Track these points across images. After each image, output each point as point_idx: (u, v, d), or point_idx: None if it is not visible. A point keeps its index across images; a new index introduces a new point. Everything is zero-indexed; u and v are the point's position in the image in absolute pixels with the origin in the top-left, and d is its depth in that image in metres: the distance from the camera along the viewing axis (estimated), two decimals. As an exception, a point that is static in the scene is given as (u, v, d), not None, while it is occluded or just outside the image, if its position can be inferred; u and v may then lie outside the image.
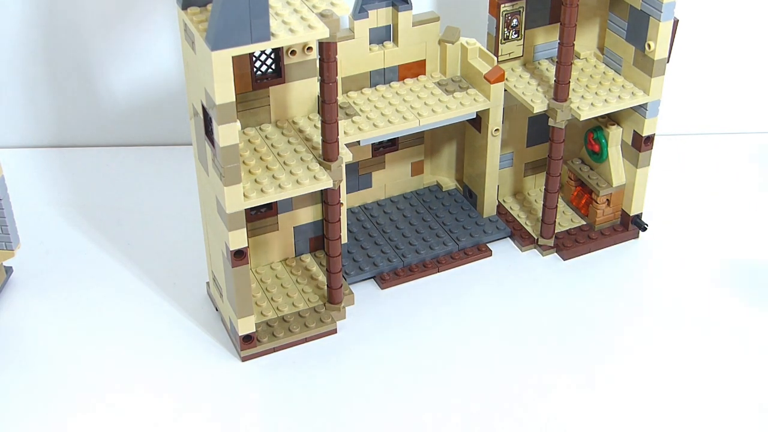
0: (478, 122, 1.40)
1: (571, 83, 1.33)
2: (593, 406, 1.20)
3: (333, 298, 1.29)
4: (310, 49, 1.23)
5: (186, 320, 1.31)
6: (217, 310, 1.32)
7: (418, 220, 1.45)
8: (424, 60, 1.39)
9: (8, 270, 1.36)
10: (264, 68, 1.24)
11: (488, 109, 1.37)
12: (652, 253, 1.43)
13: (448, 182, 1.51)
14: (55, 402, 1.20)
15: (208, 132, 1.12)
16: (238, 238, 1.16)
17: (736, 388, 1.22)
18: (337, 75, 1.14)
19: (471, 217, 1.46)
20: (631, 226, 1.45)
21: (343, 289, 1.29)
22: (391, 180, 1.49)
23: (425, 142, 1.48)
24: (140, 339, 1.28)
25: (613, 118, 1.41)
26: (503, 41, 1.38)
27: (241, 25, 1.02)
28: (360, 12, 1.32)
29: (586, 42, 1.43)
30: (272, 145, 1.23)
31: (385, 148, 1.45)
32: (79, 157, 1.63)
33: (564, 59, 1.27)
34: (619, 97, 1.34)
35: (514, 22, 1.37)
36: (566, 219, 1.47)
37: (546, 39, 1.41)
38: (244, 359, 1.25)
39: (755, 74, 1.67)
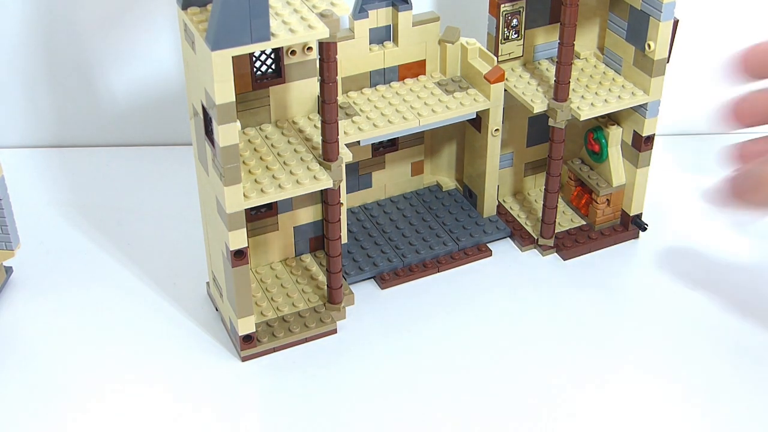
0: (478, 122, 1.40)
1: (571, 83, 1.33)
2: (593, 405, 1.20)
3: (333, 298, 1.29)
4: (310, 49, 1.23)
5: (186, 320, 1.31)
6: (217, 310, 1.32)
7: (418, 220, 1.45)
8: (424, 60, 1.39)
9: (8, 270, 1.36)
10: (264, 68, 1.24)
11: (488, 109, 1.37)
12: (652, 253, 1.43)
13: (448, 182, 1.51)
14: (55, 401, 1.20)
15: (208, 132, 1.12)
16: (238, 238, 1.16)
17: (736, 387, 1.22)
18: (337, 75, 1.14)
19: (471, 217, 1.46)
20: (631, 226, 1.45)
21: (343, 289, 1.29)
22: (391, 180, 1.48)
23: (425, 142, 1.48)
24: (140, 339, 1.28)
25: (613, 118, 1.41)
26: (503, 41, 1.38)
27: (241, 25, 1.02)
28: (360, 12, 1.32)
29: (586, 42, 1.43)
30: (272, 145, 1.23)
31: (385, 148, 1.45)
32: (79, 157, 1.63)
33: (564, 59, 1.27)
34: (619, 97, 1.34)
35: (514, 22, 1.37)
36: (566, 219, 1.47)
37: (546, 39, 1.41)
38: (244, 359, 1.25)
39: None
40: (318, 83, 1.24)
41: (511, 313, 1.33)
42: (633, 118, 1.38)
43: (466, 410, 1.19)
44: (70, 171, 1.59)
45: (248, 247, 1.18)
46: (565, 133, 1.35)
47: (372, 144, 1.42)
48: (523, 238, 1.44)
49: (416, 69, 1.39)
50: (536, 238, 1.44)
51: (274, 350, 1.26)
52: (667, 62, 1.33)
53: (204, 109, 1.11)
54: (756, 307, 1.34)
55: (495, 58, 1.36)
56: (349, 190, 1.43)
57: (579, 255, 1.43)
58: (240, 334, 1.23)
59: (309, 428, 1.17)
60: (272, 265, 1.37)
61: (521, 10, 1.36)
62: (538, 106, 1.33)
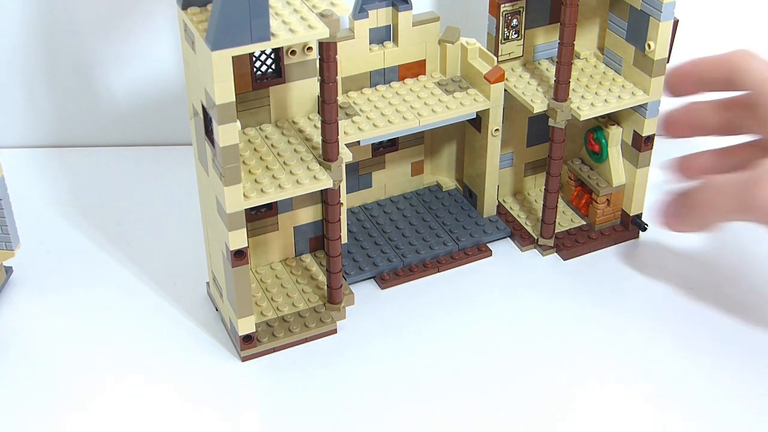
0: (478, 122, 1.40)
1: (571, 83, 1.33)
2: (593, 405, 1.20)
3: (333, 298, 1.29)
4: (310, 49, 1.23)
5: (186, 320, 1.31)
6: (217, 310, 1.32)
7: (418, 220, 1.45)
8: (424, 60, 1.39)
9: (8, 270, 1.36)
10: (264, 68, 1.24)
11: (488, 109, 1.37)
12: (652, 253, 1.43)
13: (448, 182, 1.51)
14: (55, 401, 1.20)
15: (208, 132, 1.12)
16: (238, 238, 1.16)
17: (737, 387, 1.22)
18: (337, 75, 1.14)
19: (471, 217, 1.46)
20: (631, 226, 1.45)
21: (343, 289, 1.29)
22: (391, 180, 1.48)
23: (425, 142, 1.48)
24: (140, 339, 1.28)
25: (613, 118, 1.41)
26: (503, 41, 1.38)
27: (241, 25, 1.02)
28: (360, 12, 1.32)
29: (586, 42, 1.43)
30: (272, 145, 1.23)
31: (385, 148, 1.45)
32: (79, 157, 1.63)
33: (564, 59, 1.27)
34: (619, 97, 1.34)
35: (514, 22, 1.37)
36: (566, 219, 1.47)
37: (546, 39, 1.41)
38: (244, 359, 1.25)
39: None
40: (318, 83, 1.24)
41: (511, 313, 1.33)
42: (633, 118, 1.38)
43: (466, 410, 1.19)
44: (70, 171, 1.59)
45: (248, 247, 1.18)
46: (565, 133, 1.34)
47: (372, 144, 1.42)
48: (523, 238, 1.44)
49: (416, 69, 1.39)
50: (536, 238, 1.44)
51: (274, 350, 1.26)
52: (667, 62, 1.33)
53: (204, 109, 1.11)
54: (756, 307, 1.34)
55: (495, 58, 1.36)
56: (349, 190, 1.43)
57: (579, 255, 1.43)
58: (240, 334, 1.23)
59: (309, 428, 1.17)
60: (272, 265, 1.37)
61: (521, 10, 1.36)
62: (538, 106, 1.33)
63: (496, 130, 1.39)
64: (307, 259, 1.38)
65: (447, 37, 1.38)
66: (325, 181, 1.18)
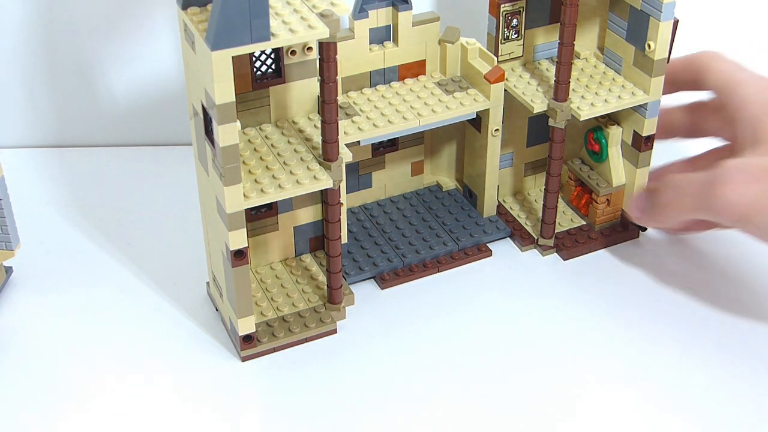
0: (478, 122, 1.40)
1: (571, 83, 1.33)
2: (593, 405, 1.20)
3: (333, 298, 1.29)
4: (310, 49, 1.23)
5: (186, 320, 1.31)
6: (217, 310, 1.32)
7: (418, 220, 1.45)
8: (424, 60, 1.39)
9: (8, 270, 1.36)
10: (264, 68, 1.24)
11: (488, 109, 1.37)
12: (652, 253, 1.43)
13: (448, 182, 1.51)
14: (55, 401, 1.20)
15: (208, 132, 1.12)
16: (238, 238, 1.16)
17: (738, 387, 1.22)
18: (337, 75, 1.14)
19: (471, 217, 1.46)
20: (631, 226, 1.45)
21: (343, 289, 1.29)
22: (391, 180, 1.48)
23: (425, 142, 1.48)
24: (140, 339, 1.28)
25: (613, 118, 1.41)
26: (503, 41, 1.38)
27: (241, 25, 1.02)
28: (360, 12, 1.32)
29: (586, 42, 1.43)
30: (272, 145, 1.23)
31: (385, 148, 1.45)
32: (79, 157, 1.63)
33: (564, 59, 1.27)
34: (619, 97, 1.34)
35: (514, 22, 1.37)
36: (566, 219, 1.47)
37: (546, 39, 1.41)
38: (244, 359, 1.25)
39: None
40: (318, 83, 1.24)
41: (511, 313, 1.33)
42: (633, 118, 1.38)
43: (465, 410, 1.19)
44: (70, 171, 1.59)
45: (248, 247, 1.18)
46: (565, 133, 1.34)
47: (372, 144, 1.42)
48: (523, 238, 1.44)
49: (416, 69, 1.39)
50: (536, 238, 1.44)
51: (274, 350, 1.26)
52: (667, 62, 1.33)
53: (204, 109, 1.11)
54: (756, 307, 1.34)
55: (495, 58, 1.36)
56: (349, 190, 1.43)
57: (579, 255, 1.43)
58: (240, 334, 1.23)
59: (309, 428, 1.17)
60: (272, 265, 1.37)
61: (521, 10, 1.36)
62: (538, 106, 1.33)
63: (496, 130, 1.39)
64: (307, 259, 1.38)
65: (447, 37, 1.38)
66: (325, 181, 1.18)
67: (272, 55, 1.23)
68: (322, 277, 1.34)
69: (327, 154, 1.18)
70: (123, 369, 1.24)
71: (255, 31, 1.03)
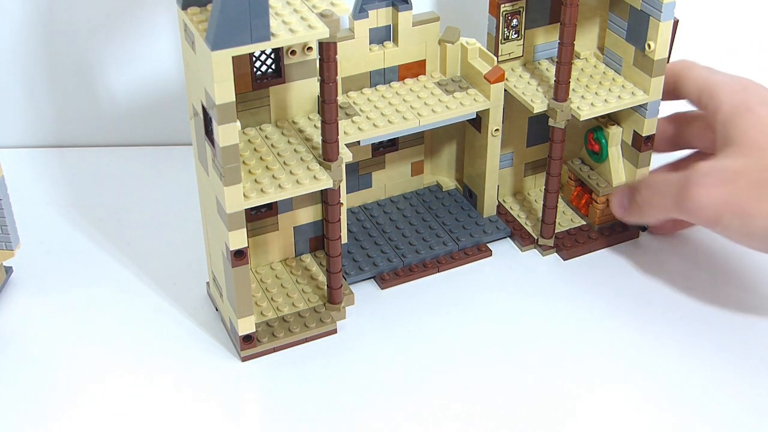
0: (478, 122, 1.40)
1: (571, 83, 1.33)
2: (593, 405, 1.20)
3: (333, 298, 1.29)
4: (310, 49, 1.23)
5: (186, 320, 1.31)
6: (217, 310, 1.32)
7: (418, 220, 1.45)
8: (424, 60, 1.39)
9: (8, 270, 1.36)
10: (264, 68, 1.24)
11: (488, 109, 1.37)
12: (652, 253, 1.43)
13: (448, 182, 1.51)
14: (55, 401, 1.20)
15: (208, 132, 1.12)
16: (238, 238, 1.16)
17: (739, 387, 1.22)
18: (337, 75, 1.14)
19: (471, 217, 1.46)
20: (631, 226, 1.45)
21: (343, 289, 1.29)
22: (391, 180, 1.48)
23: (425, 142, 1.48)
24: (140, 339, 1.28)
25: (613, 118, 1.41)
26: (503, 41, 1.38)
27: (241, 25, 1.02)
28: (360, 12, 1.32)
29: (586, 42, 1.43)
30: (272, 145, 1.23)
31: (385, 148, 1.45)
32: (79, 157, 1.63)
33: (564, 59, 1.27)
34: (619, 97, 1.34)
35: (514, 22, 1.37)
36: (566, 219, 1.47)
37: (546, 39, 1.41)
38: (244, 359, 1.25)
39: (754, 75, 1.67)
40: (318, 83, 1.24)
41: (511, 313, 1.33)
42: (633, 118, 1.38)
43: (465, 410, 1.19)
44: (70, 171, 1.59)
45: (248, 247, 1.18)
46: (565, 133, 1.34)
47: (372, 144, 1.42)
48: (523, 238, 1.44)
49: (416, 69, 1.39)
50: (536, 238, 1.44)
51: (274, 350, 1.26)
52: (667, 62, 1.33)
53: (204, 109, 1.11)
54: (757, 307, 1.34)
55: (495, 58, 1.36)
56: (349, 190, 1.43)
57: (579, 255, 1.43)
58: (240, 334, 1.23)
59: (309, 428, 1.17)
60: (272, 265, 1.37)
61: (521, 10, 1.36)
62: (538, 106, 1.33)
63: (496, 130, 1.39)
64: (307, 259, 1.38)
65: (447, 37, 1.38)
66: (325, 181, 1.18)
67: (272, 55, 1.23)
68: (322, 277, 1.34)
69: (327, 154, 1.18)
70: (123, 369, 1.24)
71: (255, 31, 1.03)
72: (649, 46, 1.31)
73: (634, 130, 1.38)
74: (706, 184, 1.22)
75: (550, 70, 1.40)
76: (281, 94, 1.25)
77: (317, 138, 1.23)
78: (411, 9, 1.34)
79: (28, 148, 1.64)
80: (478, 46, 1.37)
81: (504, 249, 1.43)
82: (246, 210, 1.16)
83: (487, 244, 1.43)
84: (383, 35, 1.36)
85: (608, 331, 1.30)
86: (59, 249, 1.42)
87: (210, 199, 1.20)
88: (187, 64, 1.15)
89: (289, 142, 1.23)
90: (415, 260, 1.39)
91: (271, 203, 1.30)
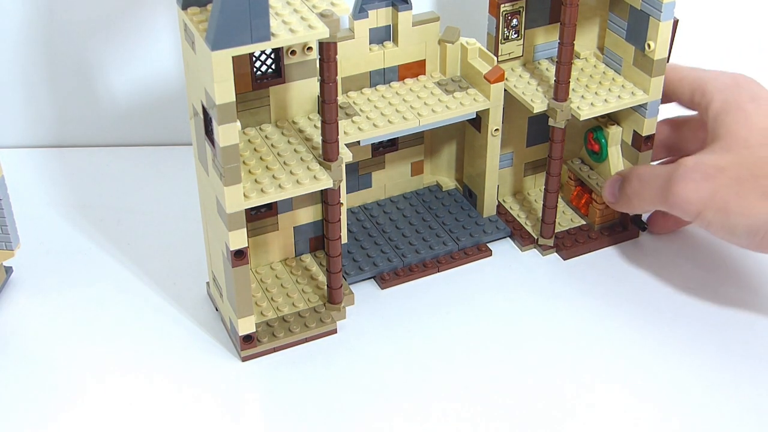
0: (478, 122, 1.40)
1: (571, 83, 1.33)
2: (593, 405, 1.20)
3: (333, 298, 1.29)
4: (310, 49, 1.23)
5: (186, 320, 1.31)
6: (217, 310, 1.32)
7: (418, 220, 1.45)
8: (424, 60, 1.39)
9: (8, 270, 1.36)
10: (264, 68, 1.24)
11: (488, 109, 1.37)
12: (652, 253, 1.43)
13: (448, 182, 1.51)
14: (55, 401, 1.20)
15: (208, 132, 1.12)
16: (238, 238, 1.16)
17: (739, 387, 1.22)
18: (337, 75, 1.14)
19: (471, 217, 1.46)
20: (631, 226, 1.45)
21: (343, 289, 1.29)
22: (391, 180, 1.49)
23: (425, 142, 1.48)
24: (140, 339, 1.28)
25: (613, 118, 1.41)
26: (503, 41, 1.38)
27: (241, 25, 1.02)
28: (360, 12, 1.32)
29: (586, 42, 1.43)
30: (272, 145, 1.23)
31: (385, 148, 1.45)
32: (79, 157, 1.63)
33: (564, 59, 1.27)
34: (619, 96, 1.34)
35: (514, 22, 1.37)
36: (566, 219, 1.47)
37: (546, 39, 1.41)
38: (244, 359, 1.25)
39: (754, 75, 1.67)
40: (318, 83, 1.24)
41: (511, 312, 1.33)
42: (633, 118, 1.38)
43: (465, 410, 1.19)
44: (70, 171, 1.59)
45: (248, 247, 1.18)
46: (565, 132, 1.35)
47: (372, 144, 1.42)
48: (523, 238, 1.44)
49: (416, 69, 1.39)
50: (536, 238, 1.44)
51: (274, 350, 1.26)
52: (667, 62, 1.33)
53: (204, 109, 1.11)
54: (757, 307, 1.34)
55: (495, 58, 1.36)
56: (349, 190, 1.43)
57: (579, 255, 1.43)
58: (240, 334, 1.23)
59: (309, 428, 1.17)
60: (272, 265, 1.37)
61: (521, 10, 1.36)
62: (538, 106, 1.33)
63: (496, 130, 1.39)
64: (307, 259, 1.38)
65: (447, 37, 1.38)
66: (325, 181, 1.18)
67: (272, 55, 1.23)
68: (322, 277, 1.34)
69: (327, 154, 1.18)
70: (123, 369, 1.24)
71: (255, 31, 1.03)
72: (649, 45, 1.31)
73: (633, 130, 1.38)
74: (690, 178, 1.23)
75: (550, 70, 1.40)
76: (281, 94, 1.25)
77: (317, 138, 1.23)
78: (411, 9, 1.34)
79: (28, 148, 1.64)
80: (478, 46, 1.37)
81: (504, 249, 1.43)
82: (246, 210, 1.16)
83: (487, 244, 1.43)
84: (383, 35, 1.36)
85: (608, 331, 1.30)
86: (59, 249, 1.42)
87: (210, 199, 1.20)
88: (187, 64, 1.15)
89: (289, 142, 1.23)
90: (415, 260, 1.39)
91: (271, 203, 1.30)
